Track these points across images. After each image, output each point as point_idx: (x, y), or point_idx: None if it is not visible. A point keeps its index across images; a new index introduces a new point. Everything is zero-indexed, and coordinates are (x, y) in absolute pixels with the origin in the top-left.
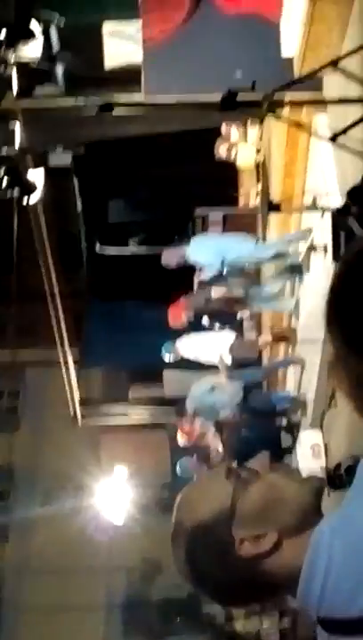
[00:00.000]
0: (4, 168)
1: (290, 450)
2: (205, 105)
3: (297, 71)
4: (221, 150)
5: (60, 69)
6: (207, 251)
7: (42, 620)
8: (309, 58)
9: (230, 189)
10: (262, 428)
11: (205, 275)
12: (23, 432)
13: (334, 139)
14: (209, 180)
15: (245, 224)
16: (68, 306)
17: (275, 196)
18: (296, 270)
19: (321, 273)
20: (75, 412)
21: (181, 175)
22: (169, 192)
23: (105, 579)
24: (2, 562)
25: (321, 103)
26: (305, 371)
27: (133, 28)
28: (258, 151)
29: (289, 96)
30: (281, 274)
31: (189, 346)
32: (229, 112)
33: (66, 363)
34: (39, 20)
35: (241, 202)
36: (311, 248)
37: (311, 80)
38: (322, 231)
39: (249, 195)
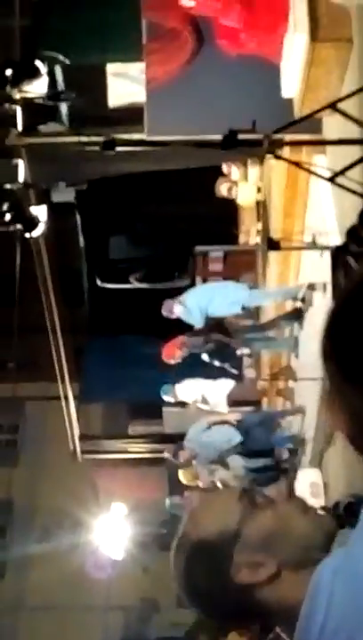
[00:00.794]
0: (7, 203)
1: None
2: (206, 143)
3: (297, 112)
4: (223, 189)
5: (64, 108)
6: (198, 296)
7: None
8: (308, 99)
9: (231, 227)
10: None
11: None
12: (22, 466)
13: (332, 179)
14: (210, 218)
15: (245, 262)
16: (68, 341)
17: (275, 234)
18: (296, 317)
19: (320, 311)
20: (74, 448)
21: (181, 212)
22: (170, 229)
23: (102, 617)
24: None
25: (320, 144)
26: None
27: (137, 69)
28: (258, 190)
29: (289, 137)
30: (281, 318)
31: (188, 390)
32: (230, 151)
33: (66, 398)
34: (43, 61)
35: (241, 239)
36: (311, 287)
37: (311, 122)
38: (321, 270)
39: (249, 232)
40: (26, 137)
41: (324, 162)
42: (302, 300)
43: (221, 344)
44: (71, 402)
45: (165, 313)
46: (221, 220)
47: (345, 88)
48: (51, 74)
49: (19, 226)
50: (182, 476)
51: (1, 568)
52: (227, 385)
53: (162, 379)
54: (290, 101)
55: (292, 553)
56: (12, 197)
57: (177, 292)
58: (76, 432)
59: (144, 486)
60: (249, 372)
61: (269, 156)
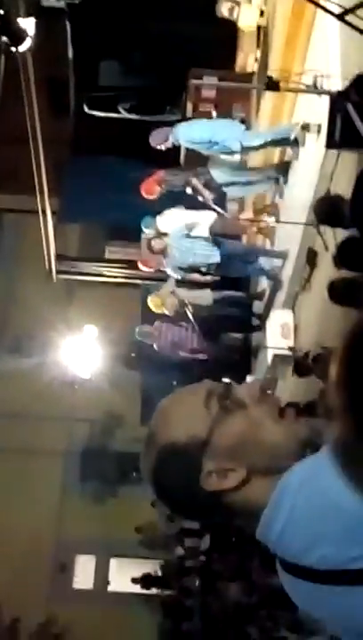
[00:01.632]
0: None
1: (260, 327)
2: None
3: None
4: (224, 8)
5: None
6: (196, 133)
7: (3, 462)
8: None
9: (228, 52)
10: (233, 303)
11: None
12: None
13: (342, 16)
14: (207, 41)
15: (238, 92)
16: (51, 155)
17: (273, 66)
18: (284, 170)
19: (312, 155)
20: (50, 267)
21: (178, 34)
22: (164, 56)
23: (67, 428)
24: None
25: None
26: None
27: None
28: (262, 14)
29: None
30: (266, 168)
31: (170, 220)
32: None
33: (44, 212)
34: None
35: (238, 64)
36: (304, 127)
37: None
38: (317, 110)
39: (247, 57)
40: None
41: None
42: (295, 141)
43: (205, 182)
44: (49, 217)
45: (154, 143)
46: (219, 43)
47: None
48: None
49: (4, 39)
50: (151, 302)
51: None
52: (209, 217)
53: (143, 204)
54: None
55: (262, 460)
56: None
57: (166, 125)
58: (53, 251)
59: (117, 308)
60: (232, 205)
61: None
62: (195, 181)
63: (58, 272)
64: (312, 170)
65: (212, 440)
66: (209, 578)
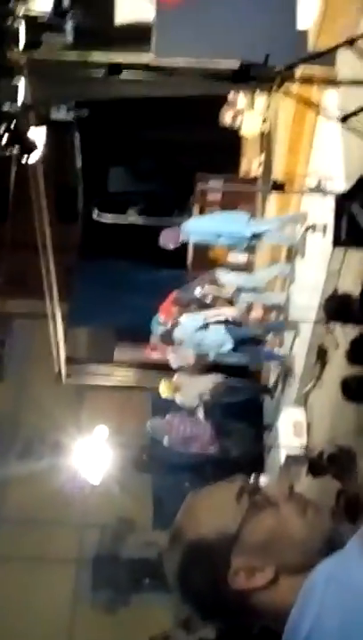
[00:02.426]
0: (4, 125)
1: (271, 427)
2: (216, 74)
3: (312, 42)
4: (227, 117)
5: (69, 24)
6: (204, 225)
7: (13, 571)
8: (325, 30)
9: (232, 157)
10: (245, 394)
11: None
12: (6, 382)
13: (344, 120)
14: (212, 148)
15: (243, 194)
16: (60, 260)
17: (277, 170)
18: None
19: (317, 254)
20: (59, 370)
21: (184, 141)
22: (171, 161)
23: (78, 534)
24: None
25: (334, 84)
26: (295, 344)
27: None
28: (264, 121)
29: (301, 69)
30: (273, 264)
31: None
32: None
33: (54, 317)
34: None
35: (242, 169)
36: (309, 228)
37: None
38: (322, 211)
39: (251, 163)
40: (27, 54)
41: (336, 99)
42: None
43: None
44: (59, 321)
45: (165, 242)
46: (223, 149)
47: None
48: None
49: (15, 149)
50: (163, 386)
51: None
52: (220, 313)
53: (152, 306)
54: (304, 32)
55: (290, 558)
56: (10, 118)
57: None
58: (63, 354)
59: (127, 411)
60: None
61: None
62: (208, 288)
63: (68, 375)
64: (319, 268)
65: (241, 536)
66: None
